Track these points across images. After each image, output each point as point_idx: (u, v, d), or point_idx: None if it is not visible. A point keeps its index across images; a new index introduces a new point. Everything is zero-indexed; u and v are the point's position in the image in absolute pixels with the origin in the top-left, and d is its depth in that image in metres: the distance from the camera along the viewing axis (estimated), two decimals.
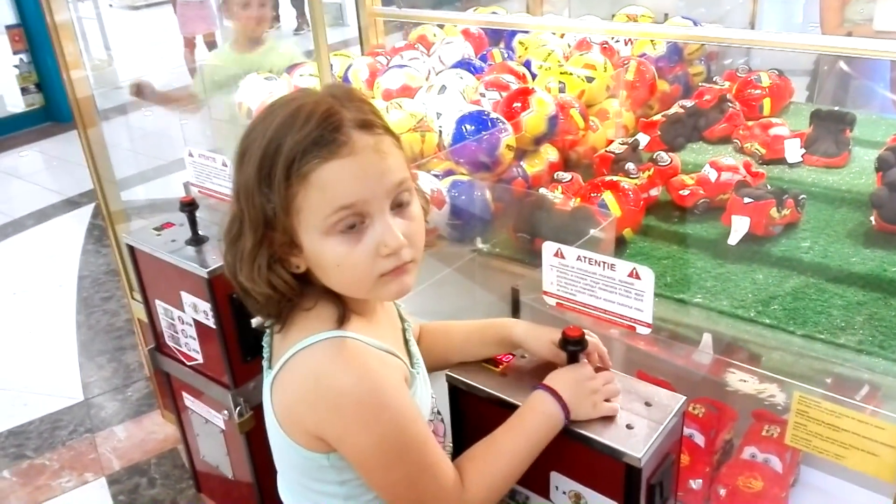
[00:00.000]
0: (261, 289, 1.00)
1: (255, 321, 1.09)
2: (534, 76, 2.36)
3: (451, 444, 1.24)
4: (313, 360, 1.00)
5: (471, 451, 1.08)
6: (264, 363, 1.11)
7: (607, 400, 1.09)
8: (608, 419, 1.09)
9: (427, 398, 1.14)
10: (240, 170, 0.99)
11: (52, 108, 6.53)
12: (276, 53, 2.97)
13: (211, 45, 6.40)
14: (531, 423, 1.07)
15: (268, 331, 1.11)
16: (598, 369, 1.15)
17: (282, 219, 0.96)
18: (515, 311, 1.51)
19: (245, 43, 3.01)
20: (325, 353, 0.99)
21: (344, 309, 1.03)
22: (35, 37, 6.34)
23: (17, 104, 6.54)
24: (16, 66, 6.47)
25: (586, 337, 1.11)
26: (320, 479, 1.06)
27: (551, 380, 1.10)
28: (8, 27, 6.36)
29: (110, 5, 10.21)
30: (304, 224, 0.96)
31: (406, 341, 1.17)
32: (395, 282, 1.00)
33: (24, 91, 6.53)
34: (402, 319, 1.20)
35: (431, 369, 1.26)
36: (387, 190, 0.97)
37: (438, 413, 1.21)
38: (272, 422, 1.07)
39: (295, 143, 0.93)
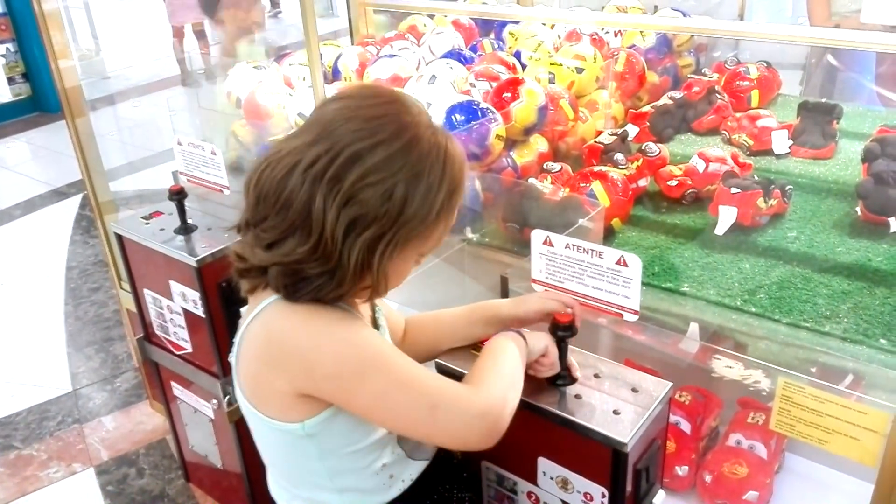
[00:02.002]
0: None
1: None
2: (524, 67, 2.37)
3: None
4: (264, 318, 1.02)
5: (466, 378, 1.08)
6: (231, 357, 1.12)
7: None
8: (595, 406, 1.10)
9: None
10: (420, 181, 0.98)
11: (40, 98, 6.47)
12: None
13: (199, 34, 6.34)
14: (502, 345, 1.11)
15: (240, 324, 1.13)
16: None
17: (435, 222, 1.00)
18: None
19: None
20: (274, 308, 1.02)
21: None
22: (22, 26, 6.28)
23: (3, 94, 6.48)
24: (2, 56, 6.41)
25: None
26: (302, 454, 1.06)
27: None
28: None
29: None
30: (432, 231, 1.01)
31: (374, 319, 1.18)
32: None
33: (10, 81, 6.47)
34: (374, 306, 1.21)
35: (424, 359, 1.27)
36: None
37: None
38: (245, 406, 1.08)
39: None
